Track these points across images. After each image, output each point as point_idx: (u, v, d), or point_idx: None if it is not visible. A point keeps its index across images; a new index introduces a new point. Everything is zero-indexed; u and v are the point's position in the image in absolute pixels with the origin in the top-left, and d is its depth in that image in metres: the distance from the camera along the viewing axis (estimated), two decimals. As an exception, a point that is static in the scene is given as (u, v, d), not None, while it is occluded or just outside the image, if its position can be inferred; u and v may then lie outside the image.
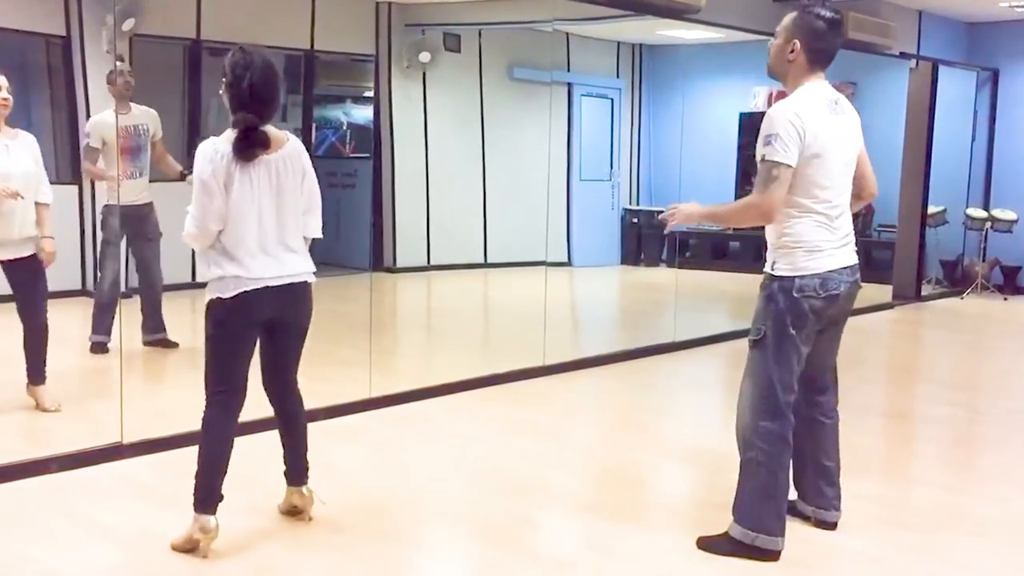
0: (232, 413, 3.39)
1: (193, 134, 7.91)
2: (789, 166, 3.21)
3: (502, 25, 9.83)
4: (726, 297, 9.99)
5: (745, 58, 10.20)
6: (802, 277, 3.30)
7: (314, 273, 3.49)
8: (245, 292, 3.27)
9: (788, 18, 3.40)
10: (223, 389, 3.35)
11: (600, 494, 4.12)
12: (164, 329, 6.22)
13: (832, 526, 3.62)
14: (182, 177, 6.11)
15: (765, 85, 10.40)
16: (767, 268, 3.42)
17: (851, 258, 3.41)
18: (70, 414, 4.88)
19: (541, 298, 6.67)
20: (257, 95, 3.27)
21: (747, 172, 10.58)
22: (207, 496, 3.33)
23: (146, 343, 6.17)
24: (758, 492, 3.37)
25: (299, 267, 3.41)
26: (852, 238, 3.44)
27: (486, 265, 10.24)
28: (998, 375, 6.99)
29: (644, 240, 11.19)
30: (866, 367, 6.85)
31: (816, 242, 3.31)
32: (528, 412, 5.33)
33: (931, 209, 9.99)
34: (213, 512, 3.33)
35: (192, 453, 4.34)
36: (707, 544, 3.47)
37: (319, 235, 3.52)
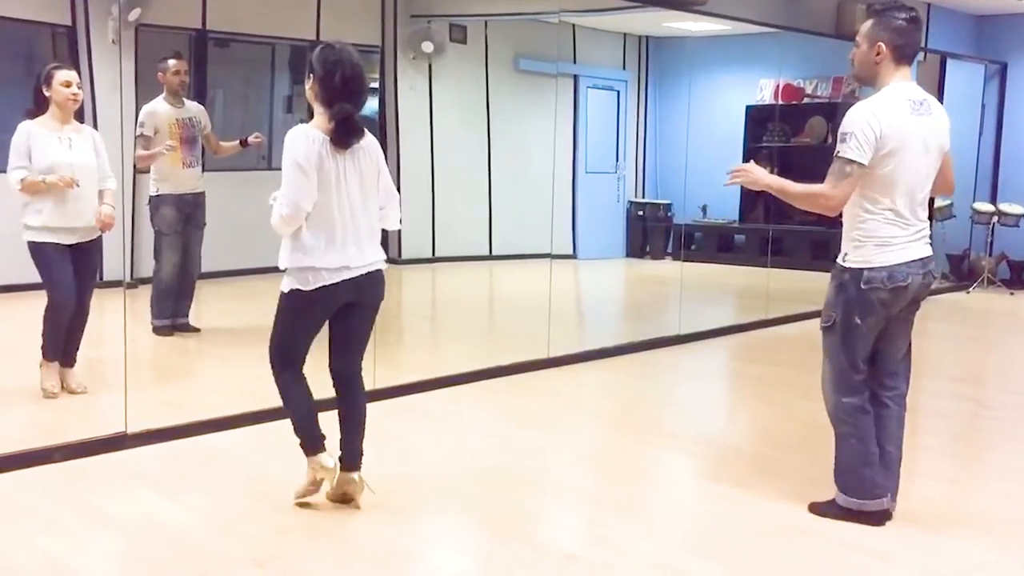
0: (298, 371, 3.62)
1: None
2: (861, 164, 3.36)
3: (508, 16, 9.80)
4: (731, 290, 9.98)
5: (752, 51, 10.18)
6: (871, 270, 3.45)
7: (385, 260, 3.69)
8: (323, 287, 3.45)
9: (868, 24, 3.52)
10: (286, 364, 3.59)
11: (605, 487, 4.12)
12: (187, 315, 6.32)
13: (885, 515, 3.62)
14: (244, 144, 6.40)
15: (771, 78, 10.37)
16: (839, 258, 3.56)
17: (923, 251, 3.52)
18: (74, 404, 4.90)
19: (546, 290, 6.66)
20: (349, 87, 3.44)
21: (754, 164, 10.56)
22: (311, 440, 3.60)
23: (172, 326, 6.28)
24: (855, 462, 3.56)
25: (376, 255, 3.60)
26: (926, 232, 3.55)
27: (491, 257, 10.23)
28: (1004, 369, 6.97)
29: (649, 233, 11.17)
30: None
31: (885, 237, 3.45)
32: (533, 404, 5.33)
33: (938, 203, 9.94)
34: (323, 450, 3.59)
35: (196, 443, 4.39)
36: (819, 510, 3.65)
37: (398, 226, 3.73)
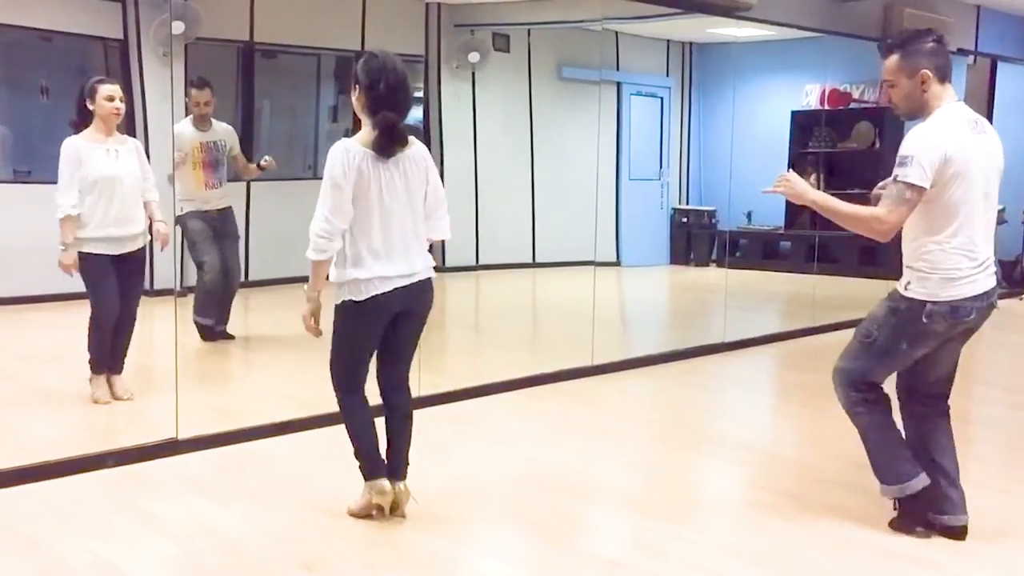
0: (361, 393, 3.61)
1: (246, 135, 8.02)
2: (922, 188, 3.21)
3: (551, 24, 9.83)
4: (777, 297, 9.89)
5: (797, 56, 10.10)
6: (935, 303, 3.31)
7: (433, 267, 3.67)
8: (374, 296, 3.44)
9: (894, 59, 3.37)
10: (349, 383, 3.58)
11: (650, 494, 4.10)
12: (226, 323, 6.40)
13: (959, 532, 3.50)
14: (260, 168, 6.48)
15: (817, 83, 10.28)
16: (900, 286, 3.41)
17: (989, 283, 3.40)
18: (126, 410, 4.99)
19: (590, 298, 6.65)
20: (394, 96, 3.43)
21: (799, 171, 10.43)
22: (372, 466, 3.59)
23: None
24: (880, 449, 3.53)
25: (424, 264, 3.58)
26: (991, 262, 3.42)
27: (535, 265, 10.24)
28: (1058, 378, 6.82)
29: (694, 240, 11.12)
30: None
31: (951, 269, 3.31)
32: (577, 411, 5.33)
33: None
34: (383, 476, 3.57)
35: (246, 449, 4.45)
36: (895, 527, 3.55)
37: (448, 236, 3.70)
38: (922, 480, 3.47)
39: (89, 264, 4.86)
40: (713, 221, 11.09)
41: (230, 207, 6.49)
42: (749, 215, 10.56)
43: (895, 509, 3.59)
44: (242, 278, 6.97)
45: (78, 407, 4.96)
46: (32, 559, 3.28)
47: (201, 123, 6.29)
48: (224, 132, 6.44)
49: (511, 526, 3.71)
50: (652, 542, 3.53)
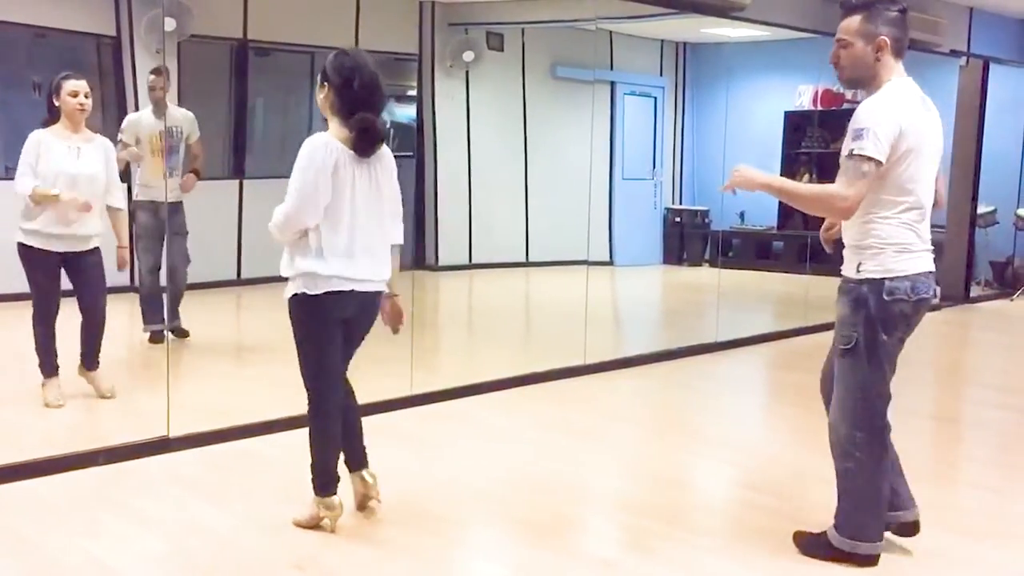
0: (335, 402, 3.51)
1: (239, 133, 8.01)
2: (880, 163, 3.07)
3: (545, 24, 9.83)
4: (769, 297, 9.91)
5: (790, 56, 10.12)
6: (892, 279, 3.16)
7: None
8: (330, 292, 3.36)
9: (856, 20, 3.26)
10: (320, 383, 3.47)
11: (642, 494, 4.10)
12: (179, 318, 6.27)
13: (912, 527, 3.41)
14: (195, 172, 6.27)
15: (810, 83, 10.29)
16: (849, 272, 3.28)
17: (932, 264, 3.28)
18: (117, 407, 4.98)
19: (582, 297, 6.66)
20: (370, 96, 3.37)
21: (792, 172, 10.48)
22: (327, 480, 3.49)
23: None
24: (858, 501, 3.29)
25: (382, 274, 3.50)
26: (931, 248, 3.29)
27: (528, 264, 10.25)
28: (1049, 378, 6.85)
29: (687, 239, 11.13)
30: (914, 369, 6.72)
31: (904, 243, 3.18)
32: (569, 411, 5.33)
33: (981, 209, 9.81)
34: (334, 493, 3.48)
35: (237, 447, 4.44)
36: (805, 545, 3.39)
37: (400, 241, 3.61)
38: (877, 549, 3.29)
39: (31, 258, 4.77)
40: (706, 221, 11.10)
41: (180, 202, 6.22)
42: (742, 215, 10.58)
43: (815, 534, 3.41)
44: (233, 276, 6.94)
45: (69, 404, 4.93)
46: (22, 557, 3.27)
47: (157, 110, 6.13)
48: (180, 118, 6.24)
49: (503, 526, 3.70)
50: (645, 542, 3.53)
